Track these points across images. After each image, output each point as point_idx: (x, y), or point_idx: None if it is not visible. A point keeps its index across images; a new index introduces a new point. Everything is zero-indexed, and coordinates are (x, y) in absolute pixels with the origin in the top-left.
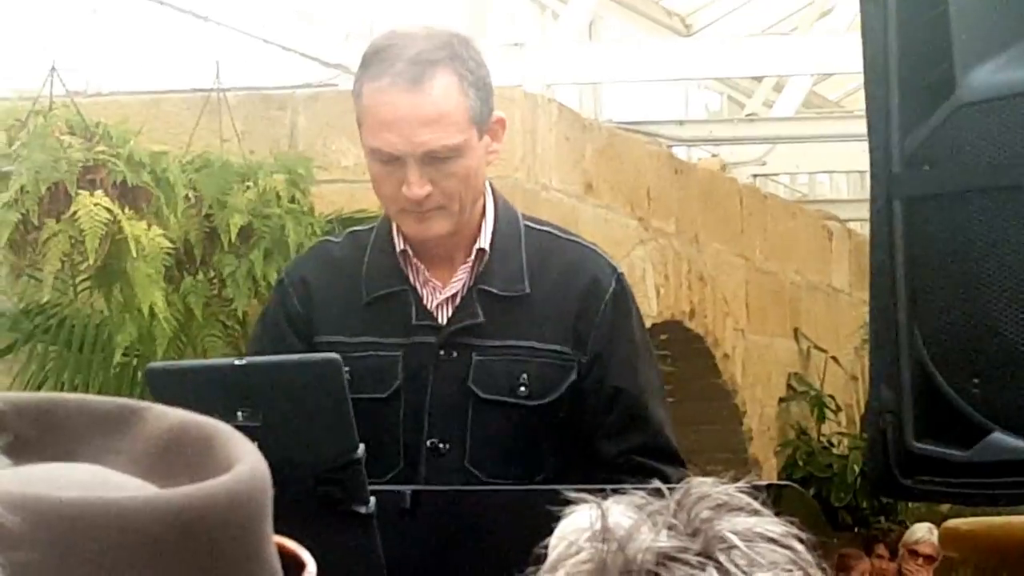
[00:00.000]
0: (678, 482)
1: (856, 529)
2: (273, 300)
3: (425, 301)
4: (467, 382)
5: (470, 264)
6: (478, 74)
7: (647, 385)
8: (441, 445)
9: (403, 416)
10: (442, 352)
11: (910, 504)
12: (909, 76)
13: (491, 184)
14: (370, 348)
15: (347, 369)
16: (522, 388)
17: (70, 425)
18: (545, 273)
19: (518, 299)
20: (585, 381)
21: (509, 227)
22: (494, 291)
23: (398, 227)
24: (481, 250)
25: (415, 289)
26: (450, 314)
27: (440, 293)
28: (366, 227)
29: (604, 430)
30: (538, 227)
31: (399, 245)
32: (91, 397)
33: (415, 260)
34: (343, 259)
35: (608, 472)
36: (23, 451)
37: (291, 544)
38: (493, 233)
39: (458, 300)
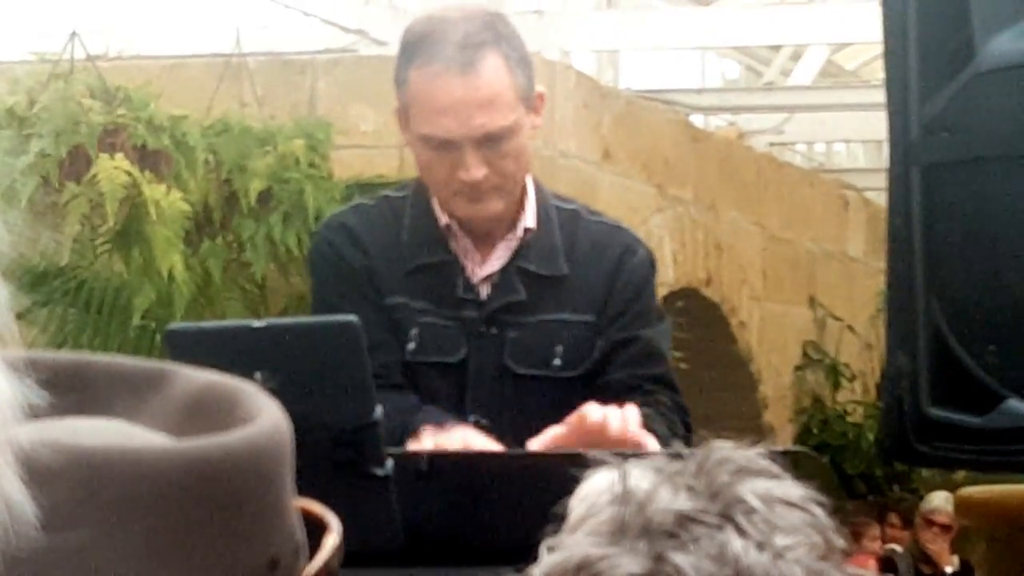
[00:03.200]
0: (678, 411)
1: (869, 497)
2: (324, 256)
3: (469, 275)
4: (503, 358)
5: (514, 242)
6: (521, 52)
7: (661, 336)
8: (483, 421)
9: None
10: (483, 328)
11: (923, 472)
12: (928, 44)
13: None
14: (431, 314)
15: (416, 331)
16: (556, 360)
17: (101, 385)
18: (577, 250)
19: (555, 279)
20: (606, 333)
21: (545, 205)
22: (532, 269)
23: (447, 208)
24: (528, 228)
25: (460, 263)
26: (490, 291)
27: (482, 269)
28: (398, 193)
29: (617, 364)
30: (566, 205)
31: (443, 219)
32: (123, 358)
33: (460, 234)
34: (383, 222)
35: (616, 393)
36: (55, 407)
37: (316, 506)
38: (537, 211)
39: (497, 277)
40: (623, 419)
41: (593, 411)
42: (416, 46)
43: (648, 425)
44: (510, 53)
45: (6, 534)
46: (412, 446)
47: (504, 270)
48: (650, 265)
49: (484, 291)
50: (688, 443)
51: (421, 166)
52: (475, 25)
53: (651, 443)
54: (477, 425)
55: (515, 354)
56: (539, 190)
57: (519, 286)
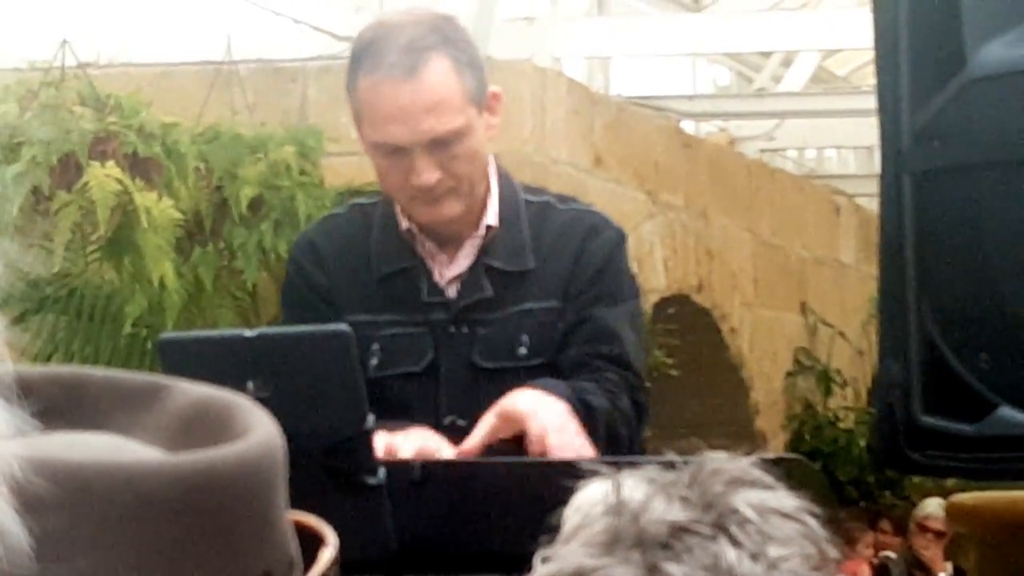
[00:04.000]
0: (627, 387)
1: (861, 503)
2: (290, 278)
3: (435, 277)
4: (472, 356)
5: (479, 240)
6: (470, 53)
7: (619, 316)
8: (459, 422)
9: (425, 392)
10: (452, 328)
11: (915, 479)
12: (919, 51)
13: (495, 158)
14: (395, 325)
15: (377, 347)
16: (522, 350)
17: (97, 398)
18: (544, 241)
19: (523, 273)
20: (565, 315)
21: (512, 201)
22: (499, 266)
23: (409, 214)
24: (490, 226)
25: (425, 266)
26: (458, 290)
27: (449, 269)
28: (370, 200)
29: (571, 343)
30: (536, 199)
31: (404, 223)
32: (119, 372)
33: (422, 238)
34: (351, 233)
35: (567, 371)
36: (50, 420)
37: (312, 519)
38: (500, 208)
39: (464, 276)
40: (544, 424)
41: (521, 404)
42: (363, 52)
43: (586, 399)
44: (458, 55)
45: (1, 565)
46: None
47: (471, 269)
48: (615, 244)
49: (452, 291)
50: (640, 422)
51: (378, 173)
52: (421, 29)
53: (576, 436)
54: (454, 426)
55: (483, 350)
56: (505, 186)
57: (485, 284)
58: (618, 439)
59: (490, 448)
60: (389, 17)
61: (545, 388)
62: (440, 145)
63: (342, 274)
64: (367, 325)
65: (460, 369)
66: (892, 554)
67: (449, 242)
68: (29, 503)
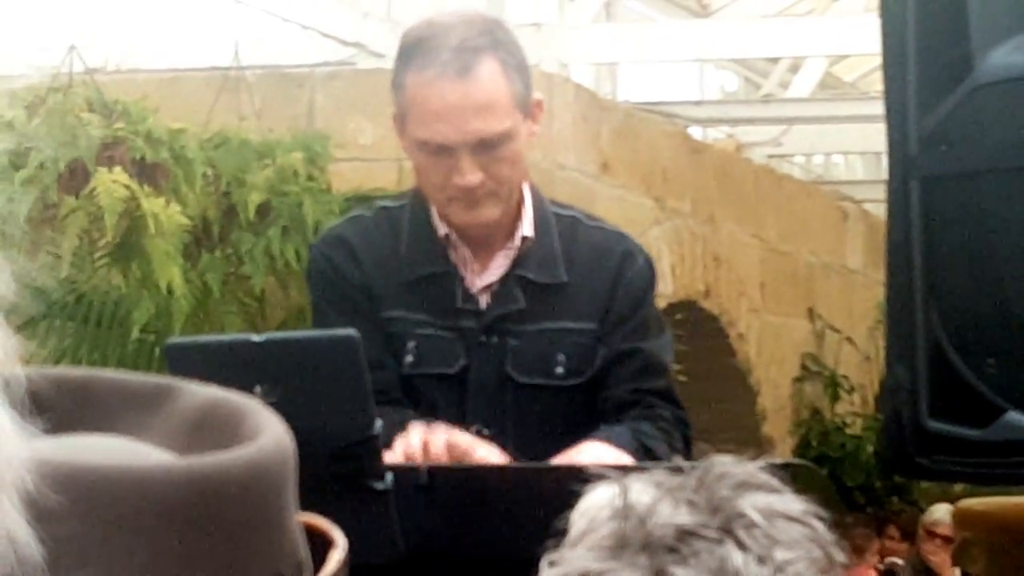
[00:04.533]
0: (679, 425)
1: (869, 509)
2: (323, 274)
3: (468, 285)
4: (505, 367)
5: (512, 251)
6: (519, 57)
7: (663, 349)
8: (484, 431)
9: (453, 397)
10: (483, 338)
11: (923, 484)
12: (927, 57)
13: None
14: (429, 326)
15: (413, 344)
16: (559, 369)
17: (106, 400)
18: (576, 257)
19: (555, 286)
20: (608, 343)
21: (543, 213)
22: (532, 277)
23: (443, 214)
24: (525, 237)
25: (458, 273)
26: (489, 300)
27: (481, 278)
28: (396, 203)
29: (618, 377)
30: (565, 212)
31: (441, 229)
32: (128, 375)
33: (458, 243)
34: (381, 233)
35: (617, 410)
36: (60, 423)
37: (322, 521)
38: (535, 219)
39: (497, 287)
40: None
41: (593, 459)
42: (413, 50)
43: (646, 444)
44: (507, 59)
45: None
46: (399, 441)
47: (503, 279)
48: (650, 272)
49: (483, 301)
50: (688, 458)
51: (417, 172)
52: (473, 30)
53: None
54: (479, 435)
55: (517, 363)
56: (537, 198)
57: (518, 295)
58: None
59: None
60: (439, 17)
61: (610, 440)
62: (486, 147)
63: (376, 271)
64: (404, 322)
65: (490, 379)
66: (899, 560)
67: (483, 251)
68: (40, 510)
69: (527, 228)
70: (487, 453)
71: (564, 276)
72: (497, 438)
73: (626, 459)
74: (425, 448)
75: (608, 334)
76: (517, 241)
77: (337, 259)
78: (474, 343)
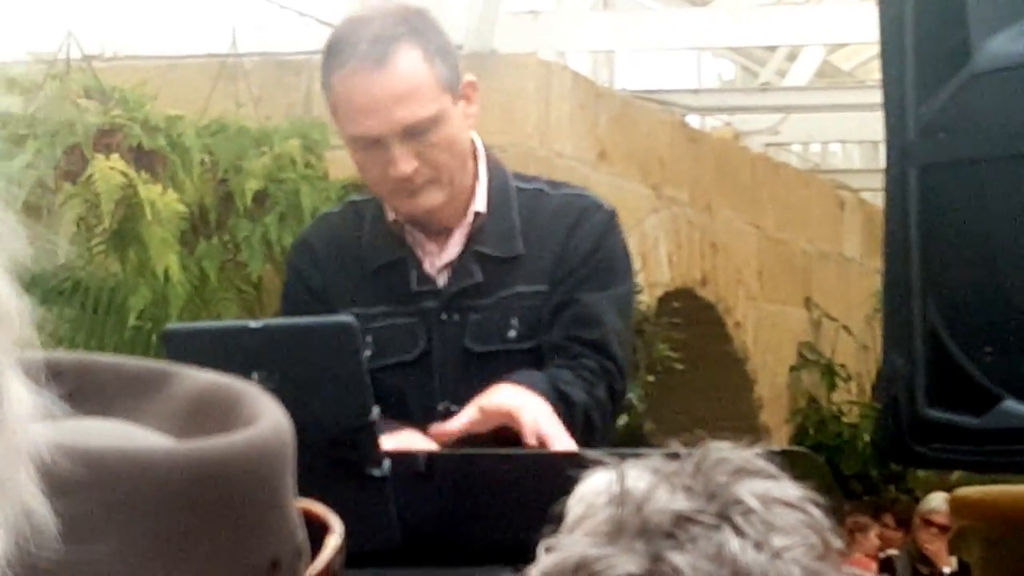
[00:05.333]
0: (604, 375)
1: (865, 498)
2: (289, 280)
3: (425, 267)
4: (464, 341)
5: (467, 227)
6: (439, 42)
7: (605, 301)
8: (453, 407)
9: (419, 381)
10: (444, 316)
11: (920, 473)
12: (925, 45)
13: (483, 145)
14: (388, 316)
15: (370, 339)
16: (511, 332)
17: (104, 385)
18: (536, 226)
19: (512, 259)
20: (552, 294)
21: (501, 188)
22: (488, 252)
23: (391, 206)
24: (478, 213)
25: (415, 256)
26: (448, 278)
27: (439, 258)
28: (364, 197)
29: (552, 326)
30: (529, 185)
31: (390, 215)
32: (125, 359)
33: (410, 228)
34: (344, 230)
35: (549, 357)
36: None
37: (318, 507)
38: (488, 194)
39: (455, 263)
40: (534, 414)
41: (506, 398)
42: (334, 49)
43: (562, 389)
44: (427, 44)
45: (28, 547)
46: None
47: (461, 256)
48: (605, 224)
49: (443, 279)
50: (614, 409)
51: (358, 169)
52: (388, 21)
53: (561, 440)
54: (448, 412)
55: (474, 335)
56: (495, 173)
57: (475, 270)
58: (593, 429)
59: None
60: (358, 13)
61: (524, 383)
62: (415, 134)
63: (336, 270)
64: (360, 318)
65: (453, 356)
66: (895, 551)
67: (437, 231)
68: (53, 485)
69: (479, 204)
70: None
71: (521, 248)
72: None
73: (541, 399)
74: None
75: (555, 288)
76: (469, 217)
77: (298, 264)
78: (435, 323)
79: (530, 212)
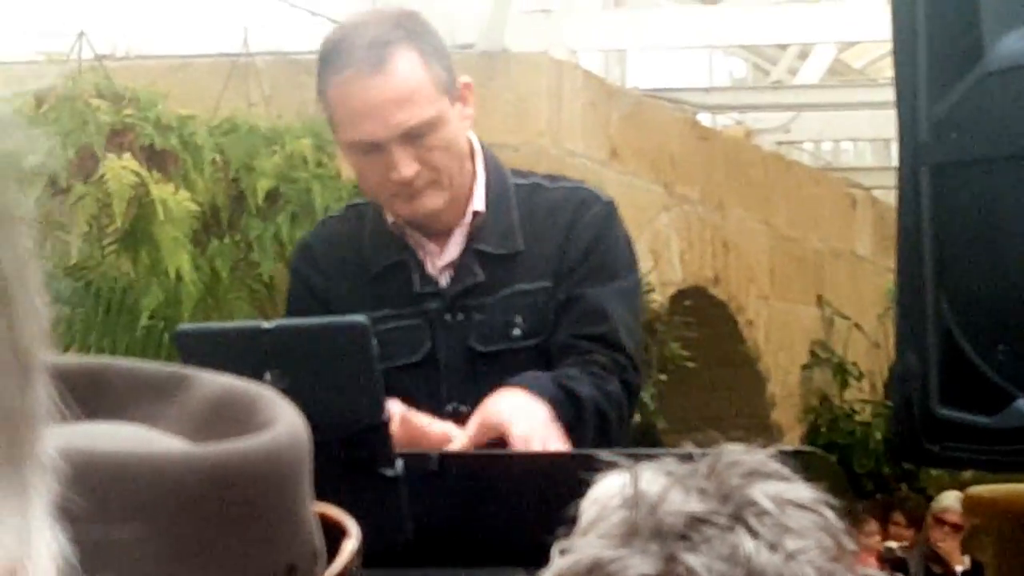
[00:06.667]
0: (616, 369)
1: (878, 496)
2: (292, 284)
3: (427, 268)
4: (469, 341)
5: (466, 227)
6: (435, 44)
7: (609, 294)
8: (462, 408)
9: (426, 382)
10: (447, 316)
11: (932, 472)
12: (937, 44)
13: (480, 143)
14: (391, 319)
15: (375, 342)
16: (515, 331)
17: (120, 389)
18: (534, 221)
19: (512, 256)
20: (557, 292)
21: (500, 185)
22: (489, 250)
23: (392, 211)
24: (476, 212)
25: (416, 257)
26: (450, 278)
27: (440, 259)
28: (364, 200)
29: (559, 325)
30: (525, 181)
31: (390, 217)
32: (142, 363)
33: (410, 230)
34: (345, 233)
35: (558, 358)
36: (74, 411)
37: (335, 511)
38: (486, 193)
39: (457, 263)
40: (524, 435)
41: (500, 411)
42: (329, 55)
43: (570, 387)
44: (423, 47)
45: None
46: None
47: (462, 255)
48: (605, 217)
49: (445, 279)
50: (630, 403)
51: (357, 174)
52: (384, 25)
53: (555, 443)
54: (456, 412)
55: (479, 335)
56: (492, 171)
57: (477, 268)
58: (607, 423)
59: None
60: (352, 18)
61: (527, 387)
62: (414, 137)
63: (338, 274)
64: None
65: (458, 356)
66: (894, 544)
67: (437, 232)
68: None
69: (478, 203)
70: (443, 428)
71: (521, 245)
72: (474, 413)
73: (541, 412)
74: None
75: (559, 285)
76: (468, 217)
77: (301, 268)
78: (439, 323)
79: (529, 207)
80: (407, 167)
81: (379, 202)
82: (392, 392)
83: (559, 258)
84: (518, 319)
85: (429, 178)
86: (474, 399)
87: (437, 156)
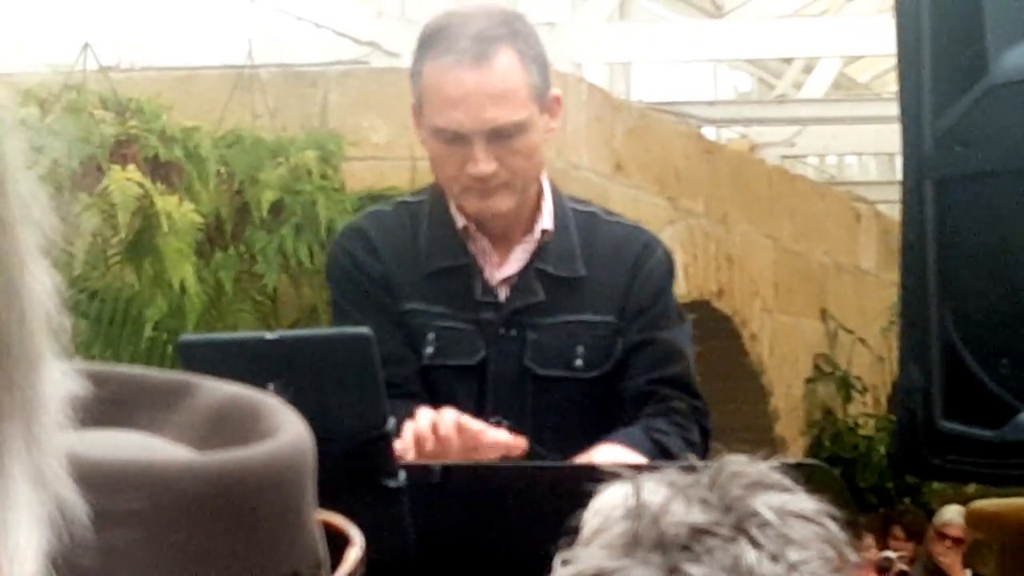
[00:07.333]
0: (694, 415)
1: (881, 510)
2: (343, 268)
3: (487, 277)
4: (524, 359)
5: (532, 244)
6: (537, 50)
7: (680, 337)
8: (504, 423)
9: (475, 389)
10: (502, 330)
11: (935, 486)
12: (942, 57)
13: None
14: (448, 318)
15: (432, 336)
16: (578, 361)
17: (123, 396)
18: (596, 251)
19: (574, 280)
20: (627, 334)
21: (561, 208)
22: (551, 271)
23: (458, 205)
24: (545, 230)
25: (477, 265)
26: (508, 292)
27: (500, 271)
28: (415, 198)
29: (634, 368)
30: (583, 208)
31: (460, 221)
32: (146, 370)
33: (478, 236)
34: (400, 227)
35: (634, 402)
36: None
37: (339, 519)
38: (553, 214)
39: (516, 279)
40: None
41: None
42: (431, 39)
43: (661, 442)
44: (525, 50)
45: (61, 536)
46: (408, 426)
47: (522, 272)
48: (668, 264)
49: (503, 293)
50: (705, 448)
51: (433, 161)
52: (492, 21)
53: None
54: (497, 426)
55: (536, 356)
56: (556, 193)
57: (538, 288)
58: None
59: None
60: (459, 8)
61: (624, 443)
62: (500, 136)
63: (394, 263)
64: (423, 314)
65: (509, 371)
66: (892, 554)
67: (502, 244)
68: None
69: (547, 221)
70: (497, 435)
71: (583, 270)
72: (515, 430)
73: (640, 460)
74: (434, 429)
75: (627, 326)
76: (537, 234)
77: (356, 252)
78: (493, 335)
79: (587, 236)
80: (486, 163)
81: (450, 193)
82: (438, 390)
83: (624, 296)
84: (579, 349)
85: (504, 179)
86: (518, 417)
87: (517, 160)
